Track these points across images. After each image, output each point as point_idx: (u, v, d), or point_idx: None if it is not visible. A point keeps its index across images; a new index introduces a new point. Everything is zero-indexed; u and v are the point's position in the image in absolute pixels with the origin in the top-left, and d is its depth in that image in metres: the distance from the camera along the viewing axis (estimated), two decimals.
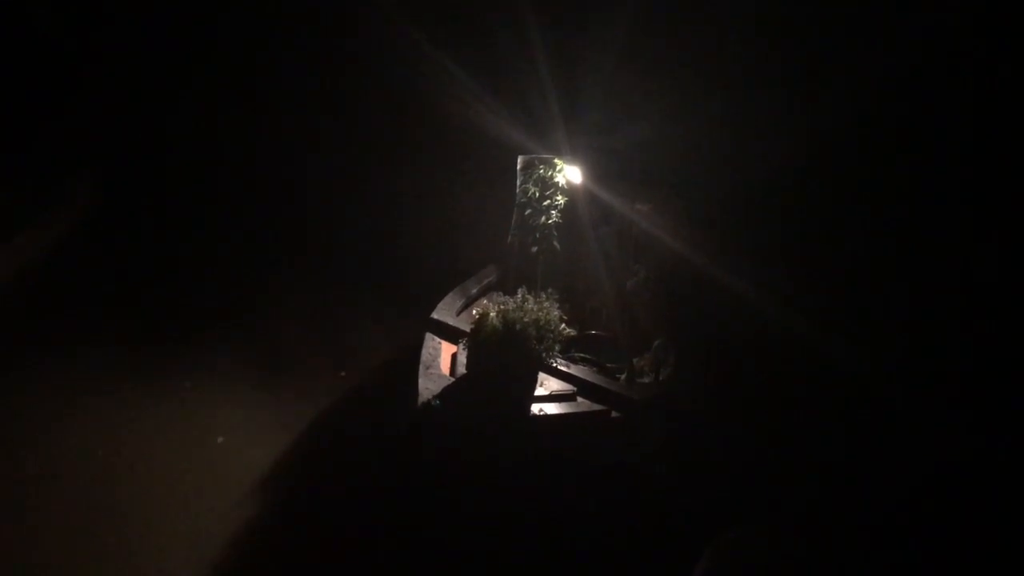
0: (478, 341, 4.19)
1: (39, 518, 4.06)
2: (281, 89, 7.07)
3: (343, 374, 5.55)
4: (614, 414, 4.37)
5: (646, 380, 4.94)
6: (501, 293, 5.54)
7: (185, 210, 6.52)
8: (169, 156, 6.89)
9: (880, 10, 4.60)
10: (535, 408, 4.24)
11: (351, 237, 6.63)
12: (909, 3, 4.55)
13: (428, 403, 4.03)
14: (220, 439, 4.81)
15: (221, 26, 7.01)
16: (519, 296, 4.37)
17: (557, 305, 5.18)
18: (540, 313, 4.23)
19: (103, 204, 6.36)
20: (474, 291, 5.34)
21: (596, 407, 4.35)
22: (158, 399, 4.92)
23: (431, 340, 4.67)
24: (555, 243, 5.35)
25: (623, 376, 4.95)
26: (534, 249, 5.40)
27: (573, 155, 5.05)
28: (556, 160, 5.14)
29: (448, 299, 5.12)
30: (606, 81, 4.82)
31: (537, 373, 4.30)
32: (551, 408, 4.27)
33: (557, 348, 4.28)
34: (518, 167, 5.34)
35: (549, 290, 5.07)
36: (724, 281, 5.09)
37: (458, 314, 5.04)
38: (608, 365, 5.00)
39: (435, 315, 4.86)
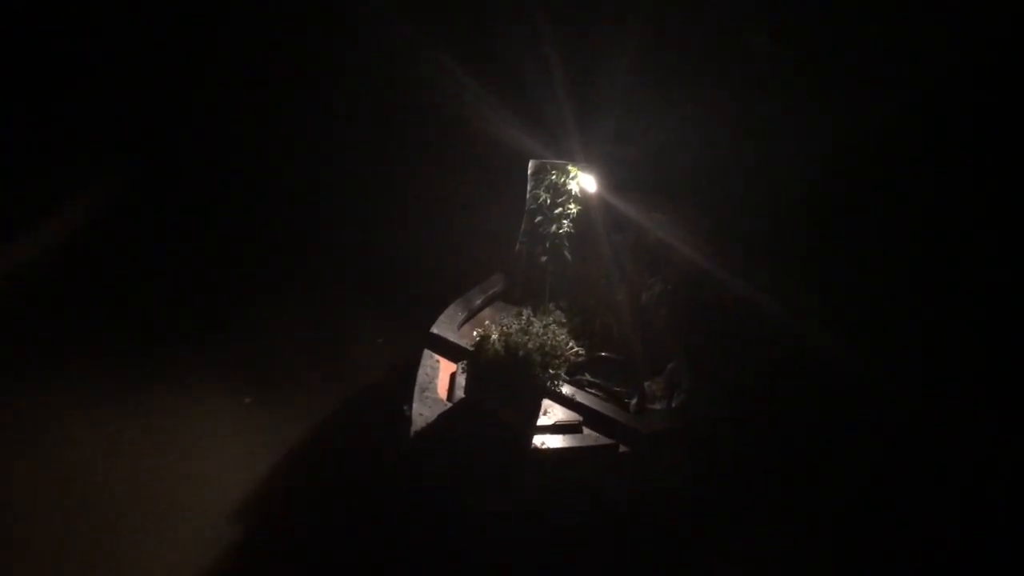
0: (478, 366, 3.88)
1: (33, 518, 3.96)
2: (283, 91, 6.88)
3: (381, 341, 5.49)
4: (622, 448, 4.05)
5: (658, 406, 4.62)
6: (507, 304, 5.28)
7: (185, 212, 6.32)
8: (171, 157, 6.70)
9: (902, 13, 4.27)
10: (537, 440, 3.94)
11: (353, 240, 6.41)
12: (931, 7, 4.22)
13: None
14: (247, 400, 4.87)
15: (225, 27, 6.83)
16: (524, 317, 4.05)
17: (564, 326, 4.92)
18: (546, 337, 3.91)
19: (103, 205, 6.15)
20: (478, 302, 5.03)
21: (603, 441, 4.05)
22: (154, 405, 4.74)
23: (429, 358, 4.37)
24: (566, 253, 5.05)
25: (633, 401, 4.63)
26: (543, 259, 5.11)
27: (588, 162, 4.71)
28: (569, 166, 4.79)
29: (450, 311, 4.81)
30: (623, 87, 4.47)
31: (540, 403, 3.99)
32: (554, 441, 3.97)
33: (562, 372, 3.97)
34: (528, 172, 5.01)
35: (556, 311, 4.80)
36: (746, 296, 4.77)
37: (460, 328, 4.73)
38: (617, 389, 4.67)
39: (435, 329, 4.55)
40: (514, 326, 3.93)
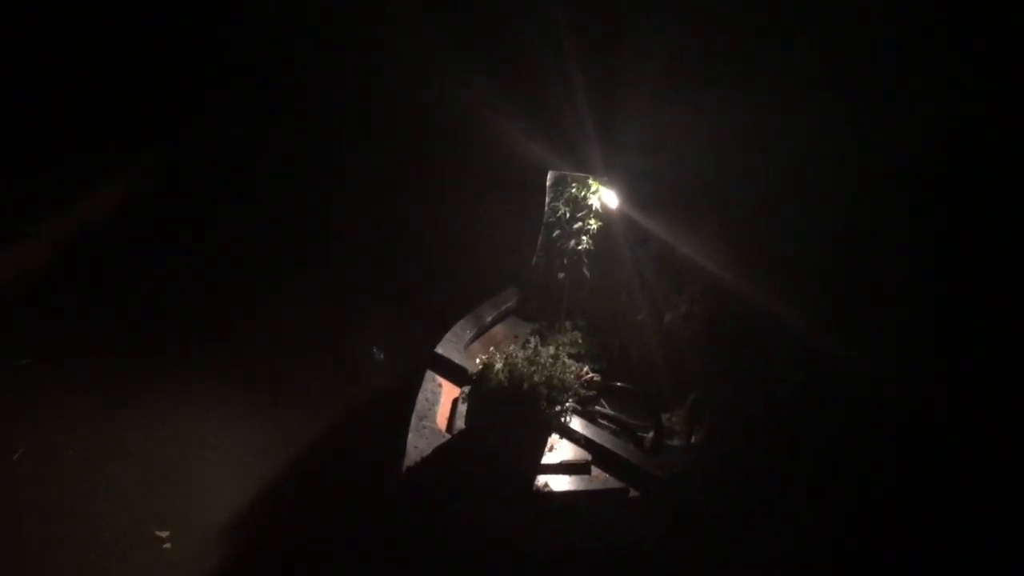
0: (480, 396, 3.59)
1: (31, 518, 3.88)
2: (291, 96, 6.73)
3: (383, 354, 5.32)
4: (632, 493, 3.72)
5: (676, 442, 4.29)
6: (520, 320, 5.00)
7: (188, 214, 6.17)
8: (174, 158, 6.58)
9: (950, 15, 3.90)
10: (540, 480, 3.63)
11: (364, 249, 6.23)
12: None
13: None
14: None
15: (234, 27, 6.67)
16: (532, 345, 3.73)
17: (580, 346, 4.63)
18: (554, 369, 3.59)
19: (104, 206, 6.01)
20: (489, 319, 4.76)
21: (612, 484, 3.72)
22: (154, 408, 4.62)
23: (431, 381, 4.10)
24: (584, 270, 4.75)
25: (649, 436, 4.29)
26: (560, 275, 4.82)
27: (609, 176, 4.39)
28: (590, 180, 4.48)
29: (458, 327, 4.53)
30: (646, 97, 4.12)
31: (546, 440, 3.69)
32: (558, 483, 3.66)
33: (569, 404, 3.65)
34: (547, 183, 4.71)
35: (573, 330, 4.50)
36: (774, 318, 4.41)
37: (468, 346, 4.45)
38: (633, 422, 4.34)
39: (440, 349, 4.27)
40: (520, 355, 3.62)
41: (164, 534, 3.93)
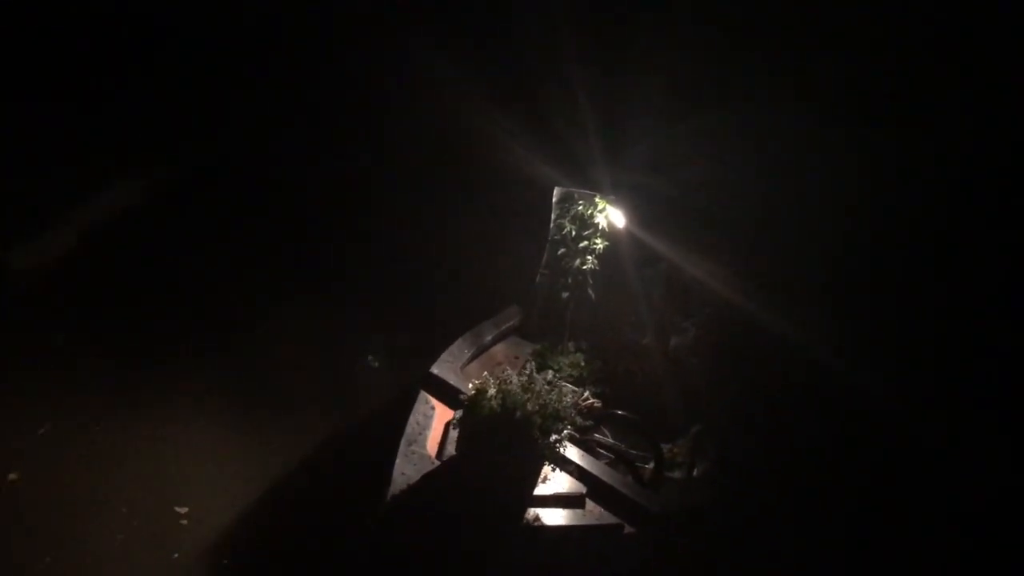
0: (472, 422, 3.44)
1: (30, 519, 3.85)
2: (301, 102, 6.74)
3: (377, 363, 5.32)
4: (627, 529, 3.55)
5: (677, 474, 4.12)
6: (522, 340, 4.86)
7: (195, 222, 6.11)
8: (180, 159, 6.55)
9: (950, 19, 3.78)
10: (531, 513, 3.47)
11: (368, 265, 6.16)
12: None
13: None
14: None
15: (244, 30, 6.64)
16: (528, 371, 3.58)
17: (583, 369, 4.49)
18: (550, 397, 3.43)
19: (108, 208, 5.95)
20: (489, 338, 4.61)
21: (607, 519, 3.55)
22: (153, 417, 4.58)
23: (424, 403, 3.94)
24: (589, 291, 4.62)
25: (649, 466, 4.12)
26: (565, 295, 4.68)
27: (616, 194, 4.25)
28: (597, 198, 4.34)
29: (455, 347, 4.38)
30: (654, 117, 3.99)
31: (539, 471, 3.53)
32: (550, 516, 3.50)
33: (565, 434, 3.50)
34: (553, 200, 4.59)
35: (576, 352, 4.35)
36: (785, 344, 4.24)
37: (465, 366, 4.30)
38: (632, 452, 4.18)
39: (435, 369, 4.11)
40: (514, 380, 3.46)
41: (183, 510, 4.01)
